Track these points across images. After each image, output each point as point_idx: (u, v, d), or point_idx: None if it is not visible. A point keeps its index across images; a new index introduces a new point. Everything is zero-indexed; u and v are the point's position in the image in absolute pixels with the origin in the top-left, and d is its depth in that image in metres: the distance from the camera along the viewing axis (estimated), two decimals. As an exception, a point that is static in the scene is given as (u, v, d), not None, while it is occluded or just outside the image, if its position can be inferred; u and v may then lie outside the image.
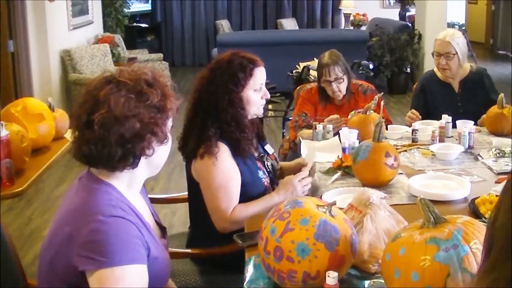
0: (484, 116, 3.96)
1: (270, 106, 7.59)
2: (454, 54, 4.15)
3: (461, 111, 4.14)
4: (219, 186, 2.75)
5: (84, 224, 1.77)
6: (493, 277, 1.15)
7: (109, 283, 1.73)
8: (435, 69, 4.43)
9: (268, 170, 2.99)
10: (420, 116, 4.08)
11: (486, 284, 1.16)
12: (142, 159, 1.92)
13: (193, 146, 2.78)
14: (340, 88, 4.13)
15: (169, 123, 1.98)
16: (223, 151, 2.75)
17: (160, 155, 1.99)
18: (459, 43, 4.16)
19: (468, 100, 4.26)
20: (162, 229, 2.21)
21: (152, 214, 2.15)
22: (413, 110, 4.13)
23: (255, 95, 2.85)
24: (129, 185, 1.96)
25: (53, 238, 1.86)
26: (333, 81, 4.11)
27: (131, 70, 1.94)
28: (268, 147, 3.10)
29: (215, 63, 2.87)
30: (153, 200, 3.23)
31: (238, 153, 2.80)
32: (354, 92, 4.25)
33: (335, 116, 3.94)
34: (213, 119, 2.77)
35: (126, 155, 1.85)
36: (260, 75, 2.85)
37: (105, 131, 1.82)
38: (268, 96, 2.93)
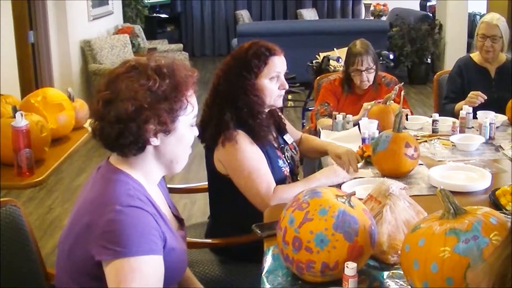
0: None
1: (290, 97, 7.58)
2: (500, 37, 4.19)
3: (495, 96, 4.12)
4: (251, 171, 2.72)
5: (102, 214, 1.78)
6: (508, 252, 1.15)
7: (126, 273, 1.73)
8: (472, 54, 4.45)
9: (288, 161, 2.98)
10: (484, 96, 3.99)
11: (502, 259, 1.15)
12: (150, 149, 1.91)
13: (211, 134, 2.78)
14: (369, 78, 4.11)
15: (183, 117, 1.93)
16: (242, 137, 2.74)
17: (170, 148, 1.94)
18: (505, 27, 4.20)
19: (503, 87, 4.24)
20: (180, 221, 2.20)
21: (170, 207, 2.15)
22: (479, 92, 4.01)
23: (271, 84, 2.82)
24: (144, 176, 1.96)
25: (72, 227, 1.87)
26: (364, 71, 4.09)
27: (147, 57, 1.95)
28: (287, 137, 3.09)
29: (235, 51, 2.90)
30: (172, 190, 3.24)
31: (255, 139, 2.78)
32: (378, 83, 4.22)
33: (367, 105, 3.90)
34: (230, 107, 2.77)
35: (122, 133, 1.85)
36: (276, 63, 2.82)
37: (104, 109, 1.87)
38: (287, 87, 2.89)
